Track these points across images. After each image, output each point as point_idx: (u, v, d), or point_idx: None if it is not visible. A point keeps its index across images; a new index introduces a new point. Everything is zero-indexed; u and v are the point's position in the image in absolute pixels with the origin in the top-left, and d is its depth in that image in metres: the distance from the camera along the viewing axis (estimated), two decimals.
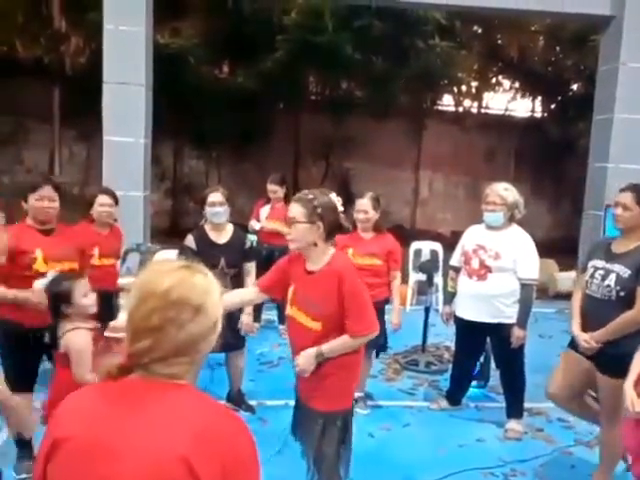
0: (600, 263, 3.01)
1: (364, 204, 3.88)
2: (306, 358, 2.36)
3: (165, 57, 7.62)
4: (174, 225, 11.11)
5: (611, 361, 2.93)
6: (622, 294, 2.87)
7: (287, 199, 5.59)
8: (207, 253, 3.45)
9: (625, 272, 2.87)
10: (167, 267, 1.20)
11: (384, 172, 11.60)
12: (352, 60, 8.09)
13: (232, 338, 3.63)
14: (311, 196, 2.35)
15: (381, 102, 9.32)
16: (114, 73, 6.01)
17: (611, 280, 2.91)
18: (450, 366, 4.50)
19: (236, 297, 2.68)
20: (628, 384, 2.49)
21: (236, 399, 4.01)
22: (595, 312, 3.01)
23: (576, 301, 3.18)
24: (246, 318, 3.77)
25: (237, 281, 3.68)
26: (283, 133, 10.98)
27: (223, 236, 3.71)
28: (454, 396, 4.25)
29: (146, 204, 6.47)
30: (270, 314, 6.00)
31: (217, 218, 3.66)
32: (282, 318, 5.89)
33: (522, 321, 3.71)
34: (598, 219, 6.31)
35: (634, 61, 6.28)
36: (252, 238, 6.11)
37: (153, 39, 6.56)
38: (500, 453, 3.61)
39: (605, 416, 3.10)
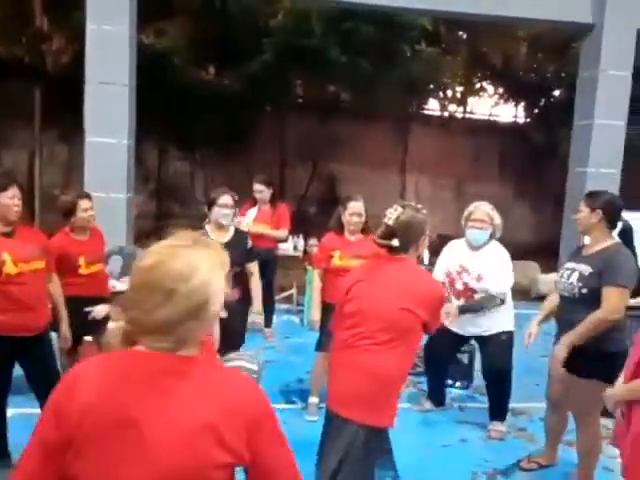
0: (570, 264, 3.13)
1: (359, 207, 3.87)
2: None
3: (150, 58, 7.57)
4: (158, 227, 11.01)
5: (580, 361, 2.99)
6: (584, 291, 2.96)
7: (273, 201, 5.58)
8: None
9: (587, 270, 2.97)
10: (165, 243, 1.23)
11: (370, 175, 11.62)
12: (339, 63, 8.10)
13: (230, 339, 3.68)
14: None
15: (367, 105, 9.37)
16: (97, 73, 5.96)
17: (574, 278, 3.02)
18: None
19: None
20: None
21: None
22: (564, 310, 3.15)
23: (547, 301, 3.36)
24: (257, 317, 3.86)
25: (240, 281, 3.70)
26: (269, 135, 10.96)
27: (225, 236, 3.73)
28: (436, 396, 4.27)
29: (129, 206, 6.42)
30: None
31: (226, 219, 3.70)
32: (269, 321, 5.87)
33: (467, 308, 3.75)
34: None
35: (613, 68, 6.39)
36: None
37: (137, 39, 6.52)
38: (483, 453, 3.65)
39: (578, 417, 3.17)
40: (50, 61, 10.63)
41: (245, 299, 3.78)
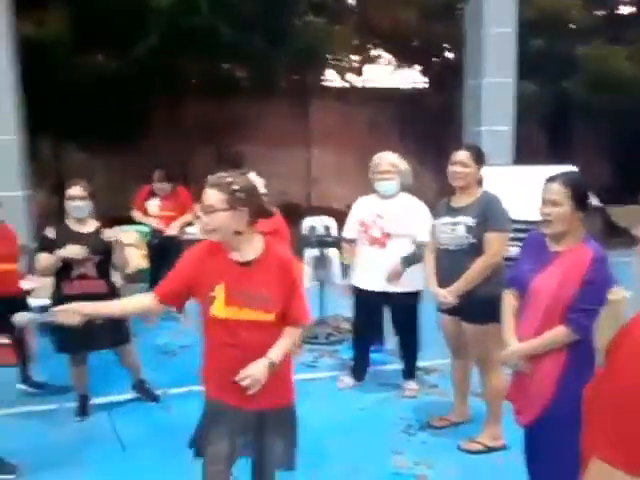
0: (446, 219, 3.21)
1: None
2: (259, 373, 2.05)
3: (33, 50, 7.12)
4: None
5: (473, 308, 3.11)
6: (473, 241, 3.09)
7: (173, 189, 5.58)
8: (69, 242, 3.46)
9: (471, 221, 3.10)
10: None
11: (276, 152, 11.54)
12: (230, 41, 7.94)
13: (116, 333, 3.67)
14: (229, 179, 2.05)
15: (264, 82, 9.26)
16: None
17: (461, 230, 3.13)
18: (348, 335, 4.65)
19: (136, 304, 2.33)
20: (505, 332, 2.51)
21: (139, 388, 4.02)
22: (450, 263, 3.19)
23: (429, 261, 3.35)
24: None
25: (105, 271, 3.67)
26: (168, 120, 10.63)
27: (85, 228, 3.64)
28: (360, 371, 4.21)
29: (28, 203, 6.17)
30: None
31: (79, 212, 3.60)
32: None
33: (407, 262, 3.76)
34: None
35: (497, 25, 6.59)
36: (144, 229, 5.92)
37: (17, 33, 6.20)
38: (398, 412, 3.78)
39: (480, 365, 3.30)
40: None
41: (112, 291, 3.65)
